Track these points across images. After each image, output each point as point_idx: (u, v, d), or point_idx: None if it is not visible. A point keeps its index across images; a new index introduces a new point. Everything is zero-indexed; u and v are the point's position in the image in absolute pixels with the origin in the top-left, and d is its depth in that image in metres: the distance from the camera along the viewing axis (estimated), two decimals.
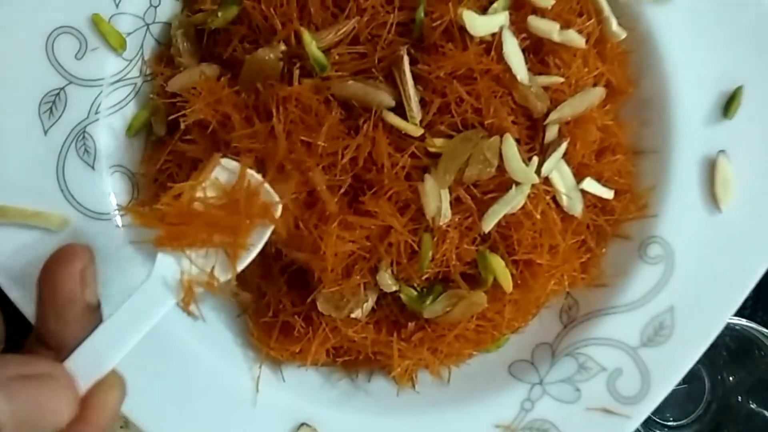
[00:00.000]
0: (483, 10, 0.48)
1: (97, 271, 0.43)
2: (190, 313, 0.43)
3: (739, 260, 0.53)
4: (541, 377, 0.54)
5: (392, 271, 0.50)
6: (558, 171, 0.50)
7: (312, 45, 0.47)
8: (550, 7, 0.49)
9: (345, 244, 0.48)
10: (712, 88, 0.53)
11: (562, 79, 0.49)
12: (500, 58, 0.47)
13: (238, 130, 0.48)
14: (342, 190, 0.48)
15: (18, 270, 0.48)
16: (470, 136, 0.47)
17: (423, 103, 0.48)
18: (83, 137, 0.51)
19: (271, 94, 0.47)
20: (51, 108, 0.50)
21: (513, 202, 0.48)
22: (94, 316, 0.42)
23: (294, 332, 0.52)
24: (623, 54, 0.54)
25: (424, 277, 0.50)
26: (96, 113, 0.51)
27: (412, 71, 0.47)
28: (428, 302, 0.50)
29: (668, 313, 0.53)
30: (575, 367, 0.54)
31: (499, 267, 0.50)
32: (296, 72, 0.47)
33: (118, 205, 0.51)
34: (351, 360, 0.54)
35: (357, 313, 0.51)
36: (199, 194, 0.42)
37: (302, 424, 0.53)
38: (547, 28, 0.49)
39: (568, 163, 0.51)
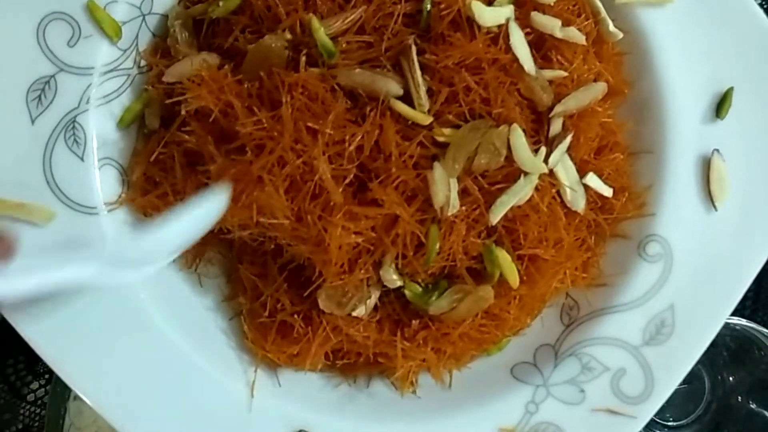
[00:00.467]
0: (488, 3, 0.48)
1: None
2: None
3: (737, 256, 0.53)
4: (544, 379, 0.53)
5: (396, 266, 0.49)
6: (562, 164, 0.50)
7: (320, 31, 0.46)
8: (552, 4, 0.50)
9: (350, 236, 0.47)
10: (704, 89, 0.54)
11: (565, 73, 0.49)
12: (508, 49, 0.47)
13: (241, 118, 0.46)
14: (347, 180, 0.47)
15: None
16: (479, 126, 0.47)
17: (430, 93, 0.47)
18: (73, 127, 0.49)
19: (276, 81, 0.46)
20: (40, 96, 0.48)
21: (521, 192, 0.48)
22: None
23: (292, 333, 0.51)
24: (619, 55, 0.55)
25: (429, 272, 0.49)
26: (87, 103, 0.49)
27: (419, 61, 0.47)
28: (434, 298, 0.49)
29: (669, 311, 0.53)
30: (579, 367, 0.53)
31: (506, 261, 0.49)
32: (302, 59, 0.47)
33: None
34: (350, 363, 0.53)
35: (359, 311, 0.50)
36: None
37: (299, 431, 0.50)
38: (550, 23, 0.49)
39: (572, 157, 0.51)
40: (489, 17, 0.47)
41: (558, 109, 0.49)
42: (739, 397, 0.66)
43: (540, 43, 0.51)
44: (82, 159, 0.49)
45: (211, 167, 0.47)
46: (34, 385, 0.66)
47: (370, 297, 0.50)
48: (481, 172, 0.48)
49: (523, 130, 0.48)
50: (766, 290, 0.64)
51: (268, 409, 0.50)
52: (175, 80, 0.49)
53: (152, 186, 0.51)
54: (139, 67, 0.52)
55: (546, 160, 0.49)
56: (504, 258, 0.49)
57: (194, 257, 0.53)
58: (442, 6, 0.47)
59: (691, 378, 0.59)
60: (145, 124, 0.52)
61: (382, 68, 0.47)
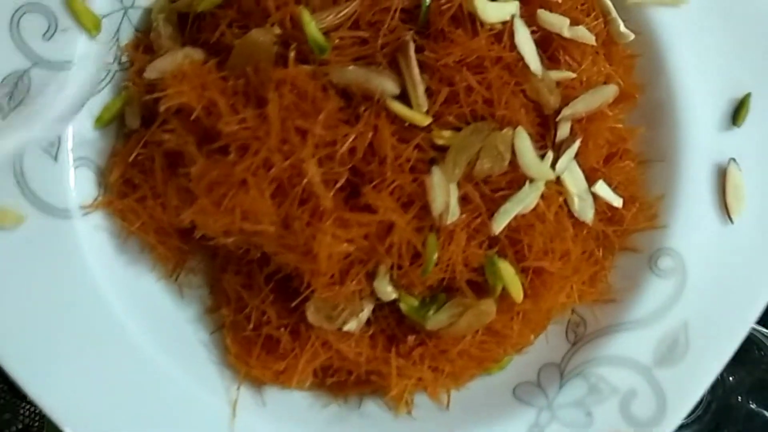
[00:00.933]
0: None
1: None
2: None
3: (754, 271, 0.51)
4: (549, 400, 0.50)
5: (391, 277, 0.46)
6: (570, 171, 0.47)
7: (311, 24, 0.43)
8: (560, 1, 0.47)
9: (340, 245, 0.44)
10: (720, 94, 0.51)
11: (573, 75, 0.47)
12: (512, 47, 0.45)
13: (225, 116, 0.43)
14: (339, 185, 0.44)
15: None
16: (481, 128, 0.44)
17: (429, 93, 0.45)
18: None
19: (263, 78, 0.43)
20: (12, 91, 0.46)
21: (526, 200, 0.45)
22: None
23: (279, 348, 0.48)
24: (630, 57, 0.52)
25: (426, 285, 0.46)
26: None
27: (417, 59, 0.44)
28: (431, 312, 0.46)
29: (682, 329, 0.50)
30: (585, 388, 0.50)
31: (509, 274, 0.46)
32: (291, 54, 0.44)
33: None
34: (340, 382, 0.50)
35: (351, 326, 0.47)
36: None
37: None
38: (558, 22, 0.47)
39: (580, 164, 0.48)
40: (492, 13, 0.44)
41: (566, 112, 0.46)
42: (739, 397, 0.65)
43: (547, 43, 0.48)
44: (55, 159, 0.46)
45: (192, 169, 0.44)
46: None
47: (362, 310, 0.47)
48: (483, 177, 0.45)
49: (529, 134, 0.45)
50: None
51: (251, 429, 0.48)
52: (157, 76, 0.46)
53: (130, 189, 0.48)
54: (119, 63, 0.49)
55: (553, 166, 0.46)
56: (507, 270, 0.46)
57: (175, 266, 0.50)
58: (443, 0, 0.45)
59: None
60: (124, 123, 0.49)
61: (377, 66, 0.44)
